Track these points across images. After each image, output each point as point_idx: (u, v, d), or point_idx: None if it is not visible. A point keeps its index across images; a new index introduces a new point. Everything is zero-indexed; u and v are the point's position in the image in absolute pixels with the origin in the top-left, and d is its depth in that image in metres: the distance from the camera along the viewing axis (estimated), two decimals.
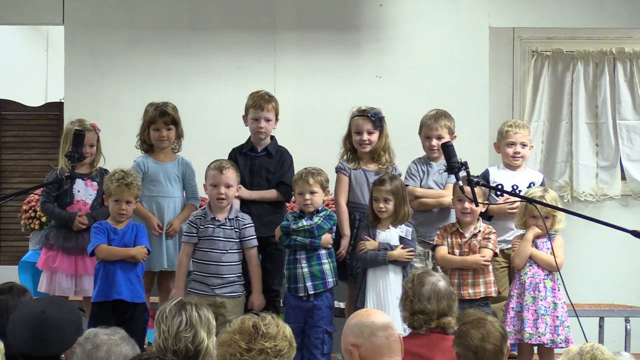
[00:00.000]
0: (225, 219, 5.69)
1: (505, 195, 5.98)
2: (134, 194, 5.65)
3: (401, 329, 5.04)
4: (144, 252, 5.60)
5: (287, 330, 3.39)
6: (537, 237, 5.65)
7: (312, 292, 5.56)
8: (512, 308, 5.63)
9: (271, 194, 5.94)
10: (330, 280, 5.62)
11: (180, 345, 3.60)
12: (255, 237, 5.71)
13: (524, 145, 6.14)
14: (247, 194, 5.88)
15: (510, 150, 6.14)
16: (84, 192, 6.06)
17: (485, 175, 6.12)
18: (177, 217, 6.00)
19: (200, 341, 3.62)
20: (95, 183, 6.04)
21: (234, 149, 6.04)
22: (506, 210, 5.98)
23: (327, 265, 5.63)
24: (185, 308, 3.69)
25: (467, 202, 5.55)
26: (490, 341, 3.77)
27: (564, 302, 5.54)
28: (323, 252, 5.62)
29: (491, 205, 6.01)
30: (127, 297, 5.54)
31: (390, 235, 5.64)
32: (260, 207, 5.92)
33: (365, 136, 5.94)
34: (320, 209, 5.67)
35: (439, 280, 4.37)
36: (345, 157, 6.04)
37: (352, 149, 6.02)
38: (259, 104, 5.95)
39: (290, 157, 6.04)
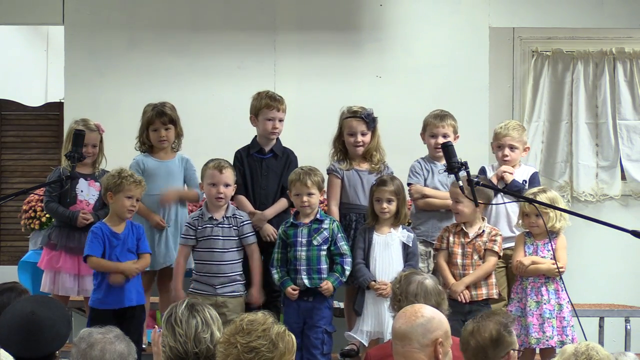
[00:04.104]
0: (223, 217, 5.69)
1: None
2: (143, 192, 5.66)
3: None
4: (134, 268, 5.55)
5: (275, 330, 3.39)
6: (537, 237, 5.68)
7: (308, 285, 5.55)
8: (511, 312, 5.61)
9: (283, 204, 5.92)
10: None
11: (202, 346, 3.61)
12: (253, 233, 5.71)
13: (512, 148, 6.09)
14: (267, 214, 5.85)
15: (499, 154, 6.14)
16: (87, 192, 6.05)
17: (484, 171, 6.14)
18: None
19: (218, 340, 3.63)
20: (98, 183, 6.03)
21: (239, 151, 6.01)
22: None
23: (325, 275, 5.62)
24: (197, 309, 3.70)
25: (455, 203, 5.59)
26: (475, 337, 3.78)
27: (568, 303, 5.52)
28: (324, 266, 5.61)
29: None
30: (135, 302, 5.55)
31: (391, 239, 5.64)
32: (265, 209, 5.91)
33: (360, 138, 5.92)
34: (320, 216, 5.64)
35: (426, 279, 4.45)
36: (335, 157, 6.03)
37: (343, 150, 6.01)
38: (275, 105, 5.94)
39: (295, 159, 6.03)
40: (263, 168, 5.95)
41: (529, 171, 6.20)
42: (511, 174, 6.02)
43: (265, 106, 5.92)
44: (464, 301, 5.52)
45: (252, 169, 5.94)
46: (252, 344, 3.34)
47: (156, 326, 5.83)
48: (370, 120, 5.92)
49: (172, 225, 6.01)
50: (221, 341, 3.43)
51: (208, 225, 5.67)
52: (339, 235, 5.63)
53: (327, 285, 5.53)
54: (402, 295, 4.37)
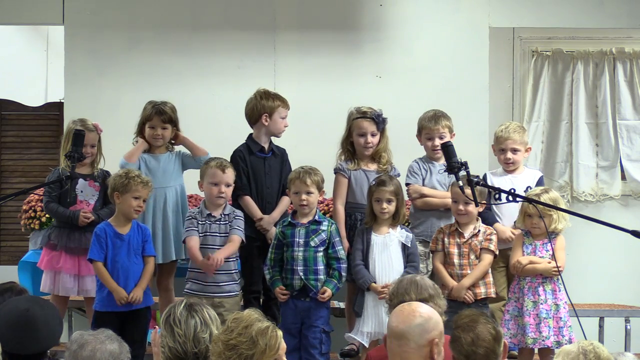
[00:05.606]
0: (221, 214, 5.67)
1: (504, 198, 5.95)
2: (149, 192, 5.65)
3: None
4: (123, 295, 5.46)
5: (256, 327, 3.38)
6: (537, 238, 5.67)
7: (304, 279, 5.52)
8: (508, 311, 5.62)
9: (286, 202, 5.92)
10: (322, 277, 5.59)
11: (201, 346, 3.61)
12: (242, 229, 5.64)
13: (514, 151, 6.07)
14: (275, 216, 5.85)
15: (501, 157, 6.13)
16: (87, 192, 6.04)
17: (485, 178, 6.11)
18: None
19: None
20: (97, 184, 6.02)
21: (240, 150, 5.98)
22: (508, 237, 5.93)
23: (322, 276, 5.61)
24: (195, 309, 3.69)
25: (462, 204, 5.58)
26: (480, 344, 3.76)
27: (566, 303, 5.52)
28: (321, 267, 5.59)
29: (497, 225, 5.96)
30: (142, 305, 5.54)
31: (389, 239, 5.63)
32: (271, 208, 5.91)
33: (370, 138, 5.93)
34: (318, 217, 5.63)
35: (416, 276, 4.47)
36: (343, 157, 6.03)
37: (351, 150, 6.01)
38: (288, 104, 5.98)
39: (287, 157, 6.04)
40: (266, 167, 5.95)
41: (534, 175, 6.17)
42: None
43: (283, 106, 5.96)
44: (470, 301, 5.52)
45: (255, 168, 5.93)
46: (231, 342, 3.35)
47: (156, 326, 5.83)
48: (380, 121, 5.93)
49: (161, 219, 5.99)
50: (212, 339, 3.46)
51: (206, 222, 5.65)
52: (337, 239, 5.61)
53: (326, 293, 5.52)
54: (393, 294, 4.39)
